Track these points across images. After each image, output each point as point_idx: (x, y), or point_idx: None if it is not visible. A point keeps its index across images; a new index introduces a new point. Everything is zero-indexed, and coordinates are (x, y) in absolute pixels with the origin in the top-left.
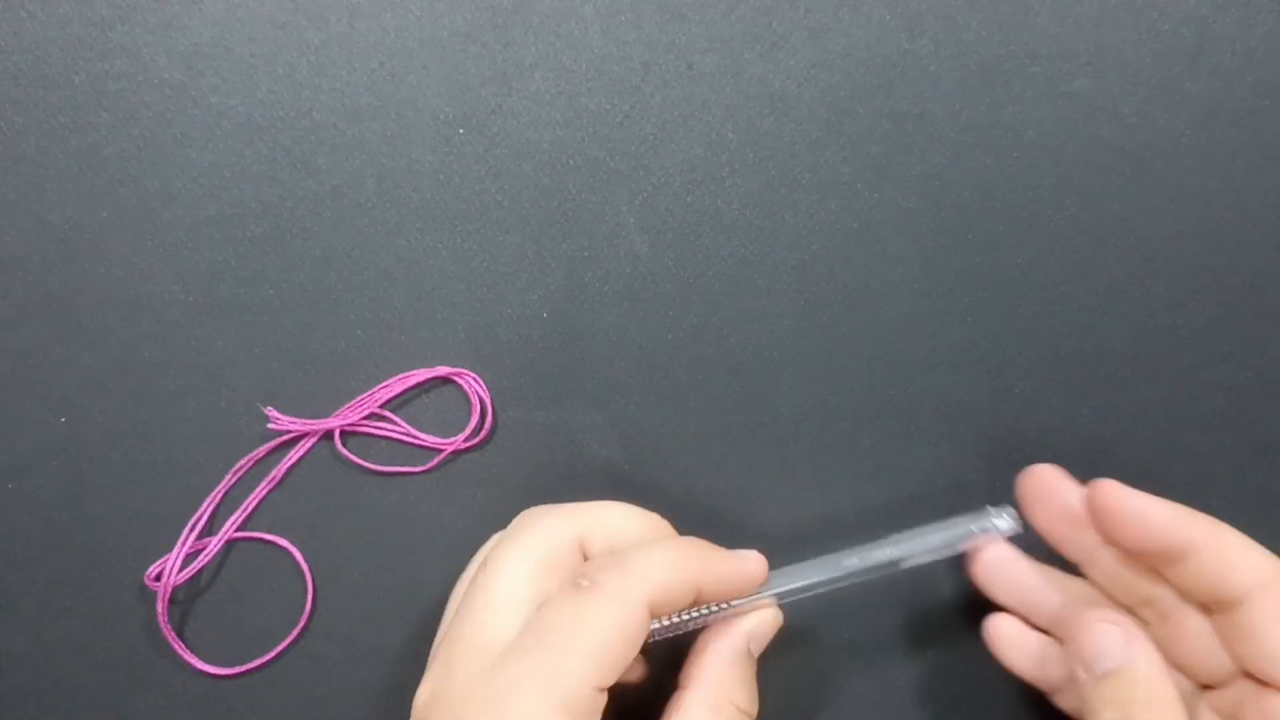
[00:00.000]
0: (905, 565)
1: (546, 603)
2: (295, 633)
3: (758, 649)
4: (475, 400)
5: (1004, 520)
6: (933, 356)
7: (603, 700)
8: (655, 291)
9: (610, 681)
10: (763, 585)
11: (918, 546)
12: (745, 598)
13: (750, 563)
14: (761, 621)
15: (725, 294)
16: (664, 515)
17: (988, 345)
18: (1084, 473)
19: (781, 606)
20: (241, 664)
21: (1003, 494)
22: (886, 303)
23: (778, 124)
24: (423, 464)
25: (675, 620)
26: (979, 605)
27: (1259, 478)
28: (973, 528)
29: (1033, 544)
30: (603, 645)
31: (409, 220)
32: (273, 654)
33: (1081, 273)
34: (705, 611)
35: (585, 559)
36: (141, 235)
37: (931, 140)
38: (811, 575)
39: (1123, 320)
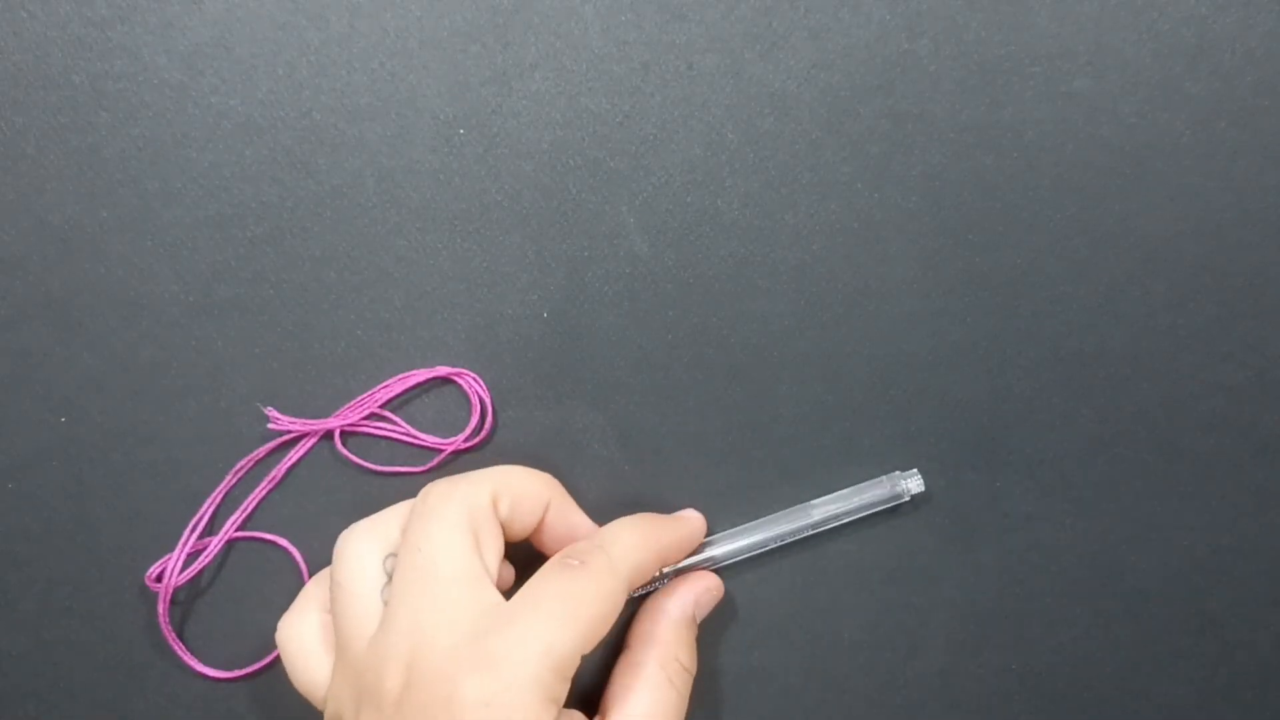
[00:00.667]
0: (826, 526)
1: (537, 577)
2: None
3: (700, 614)
4: (475, 400)
5: (912, 482)
6: (933, 356)
7: (576, 668)
8: (655, 291)
9: (591, 648)
10: (705, 538)
11: (836, 509)
12: (690, 558)
13: (693, 522)
14: (707, 590)
15: (725, 294)
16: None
17: (988, 345)
18: (1084, 472)
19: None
20: (241, 665)
21: (1003, 493)
22: (886, 303)
23: (778, 124)
24: (423, 464)
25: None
26: (981, 607)
27: (1259, 478)
28: (885, 489)
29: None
30: (592, 618)
31: (409, 220)
32: (271, 657)
33: (1081, 273)
34: (659, 576)
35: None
36: (141, 235)
37: (931, 140)
38: (745, 539)
39: (1123, 320)
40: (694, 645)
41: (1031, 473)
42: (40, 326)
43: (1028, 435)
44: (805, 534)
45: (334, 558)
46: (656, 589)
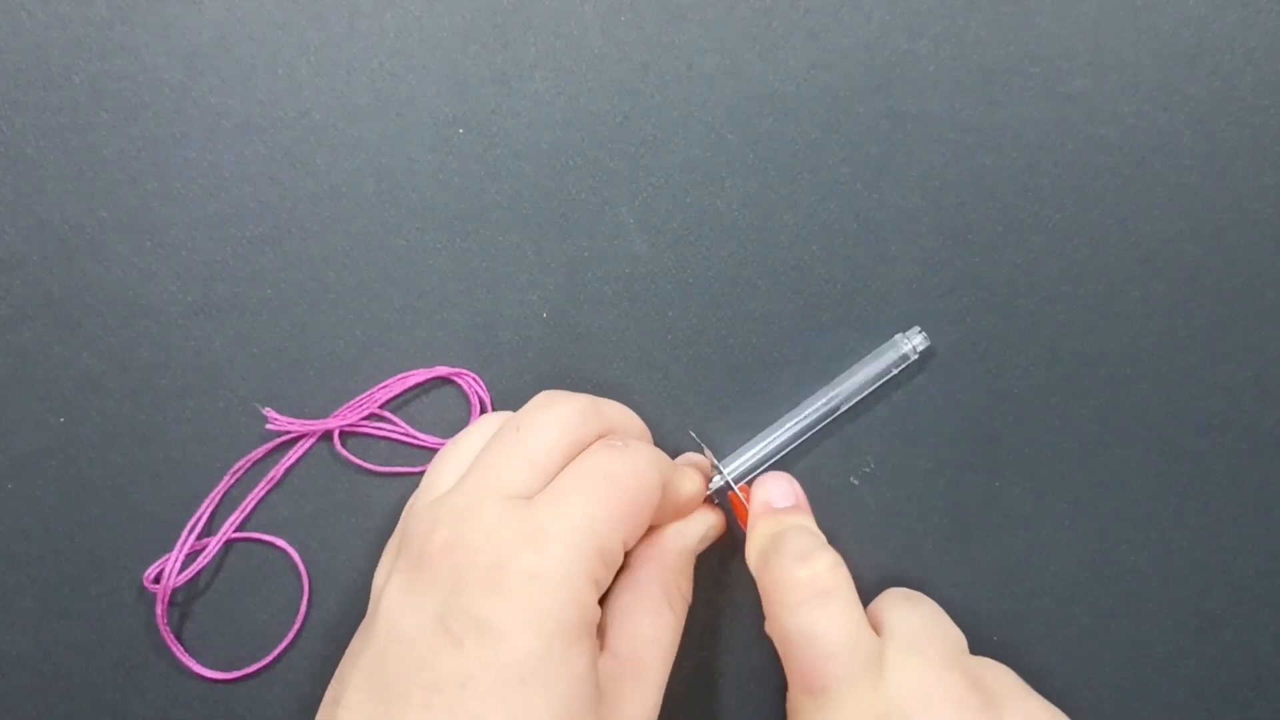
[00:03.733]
0: (842, 409)
1: (585, 454)
2: (292, 634)
3: (700, 548)
4: (475, 400)
5: (917, 339)
6: (933, 356)
7: (619, 562)
8: (655, 291)
9: (631, 544)
10: (712, 482)
11: (848, 389)
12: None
13: (700, 476)
14: (712, 526)
15: (725, 294)
16: None
17: (988, 345)
18: (1084, 474)
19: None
20: (240, 666)
21: (1002, 494)
22: (886, 303)
23: (777, 124)
24: (422, 464)
25: None
26: (981, 607)
27: (1259, 478)
28: (892, 355)
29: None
30: (634, 499)
31: (408, 220)
32: (270, 658)
33: (1081, 273)
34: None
35: None
36: (140, 235)
37: (931, 140)
38: (763, 447)
39: (1123, 320)
40: (692, 576)
41: (1031, 473)
42: (39, 326)
43: (1028, 435)
44: (827, 420)
45: (465, 429)
46: None
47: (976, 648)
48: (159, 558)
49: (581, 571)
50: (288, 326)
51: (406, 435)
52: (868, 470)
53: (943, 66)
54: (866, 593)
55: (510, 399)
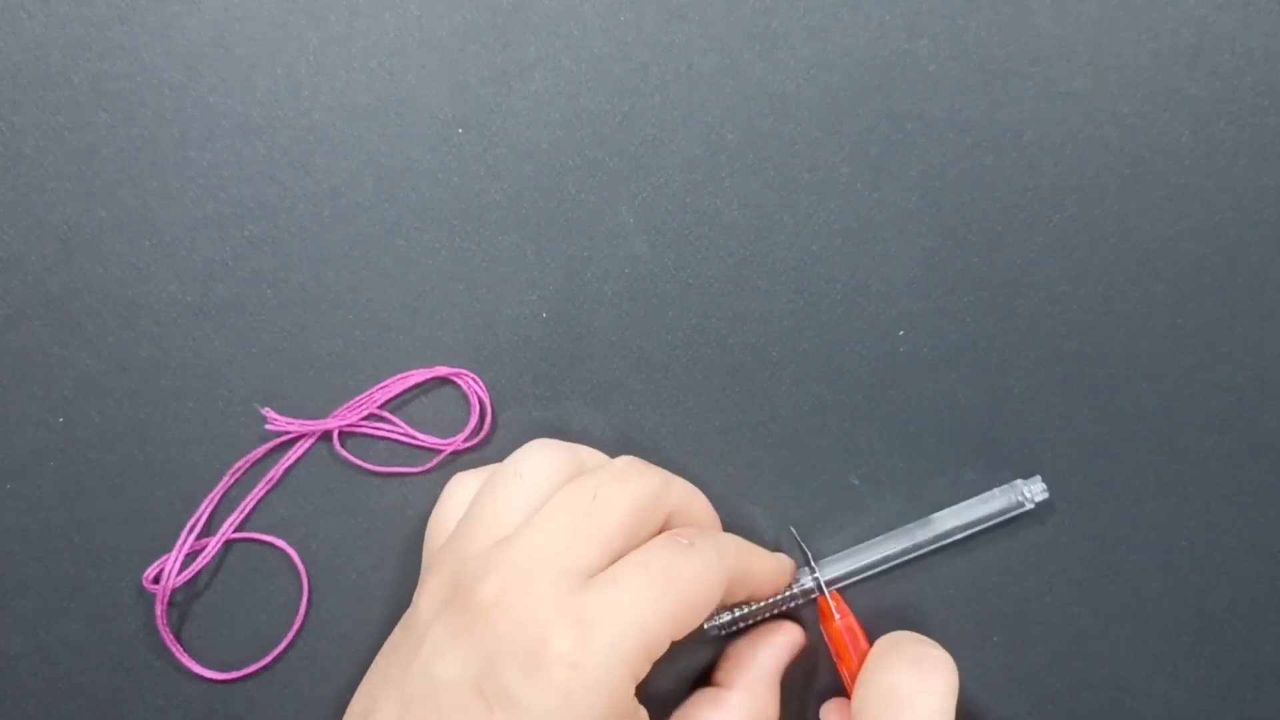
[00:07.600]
0: (943, 543)
1: (645, 548)
2: (291, 635)
3: (786, 663)
4: (474, 401)
5: (1034, 488)
6: (933, 356)
7: (661, 653)
8: (655, 291)
9: (680, 635)
10: (797, 578)
11: (954, 523)
12: (785, 595)
13: (784, 562)
14: (795, 642)
15: (725, 294)
16: None
17: (988, 345)
18: (1084, 474)
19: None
20: (239, 666)
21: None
22: (886, 303)
23: (777, 124)
24: (421, 465)
25: (727, 618)
26: (981, 607)
27: (1259, 478)
28: (1006, 500)
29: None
30: (691, 602)
31: (407, 220)
32: (269, 658)
33: (1081, 273)
34: (751, 609)
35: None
36: (140, 235)
37: (931, 140)
38: (857, 561)
39: (1123, 320)
40: (779, 699)
41: (1031, 473)
42: (38, 326)
43: (1028, 435)
44: (920, 551)
45: (520, 452)
46: (745, 625)
47: (976, 647)
48: (159, 558)
49: (621, 668)
50: (287, 326)
51: (406, 435)
52: (867, 470)
53: (943, 66)
54: (869, 592)
55: (510, 399)
